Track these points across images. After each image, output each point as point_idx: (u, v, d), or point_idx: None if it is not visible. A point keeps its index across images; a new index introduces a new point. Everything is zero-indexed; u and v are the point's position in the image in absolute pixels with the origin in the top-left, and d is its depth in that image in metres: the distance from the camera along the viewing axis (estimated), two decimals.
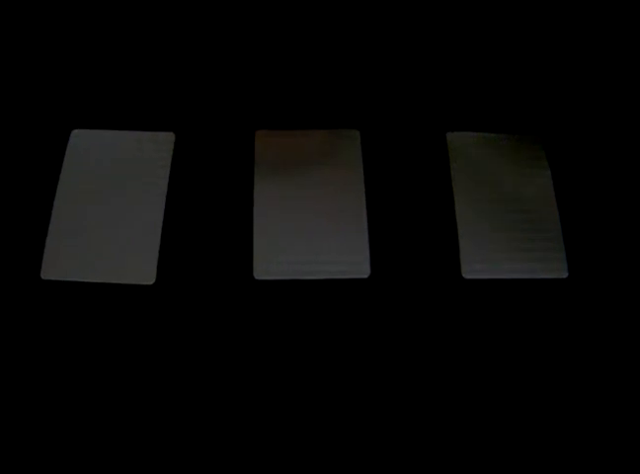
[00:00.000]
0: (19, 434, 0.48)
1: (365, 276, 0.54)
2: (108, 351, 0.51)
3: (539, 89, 0.63)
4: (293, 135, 0.60)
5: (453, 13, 0.66)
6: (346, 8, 0.67)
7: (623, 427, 0.49)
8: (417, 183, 0.59)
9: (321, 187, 0.58)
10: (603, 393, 0.51)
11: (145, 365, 0.51)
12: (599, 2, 0.67)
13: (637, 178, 0.59)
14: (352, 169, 0.59)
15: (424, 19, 0.67)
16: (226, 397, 0.50)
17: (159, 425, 0.49)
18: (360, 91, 0.63)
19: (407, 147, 0.60)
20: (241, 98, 0.62)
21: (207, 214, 0.57)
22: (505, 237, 0.56)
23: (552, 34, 0.66)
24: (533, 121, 0.62)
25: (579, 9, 0.67)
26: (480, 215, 0.57)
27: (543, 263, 0.55)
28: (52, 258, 0.54)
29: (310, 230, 0.56)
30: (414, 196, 0.58)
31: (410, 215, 0.57)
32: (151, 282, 0.54)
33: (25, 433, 0.48)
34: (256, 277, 0.54)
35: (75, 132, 0.60)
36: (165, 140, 0.59)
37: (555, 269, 0.55)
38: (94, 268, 0.54)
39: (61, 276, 0.54)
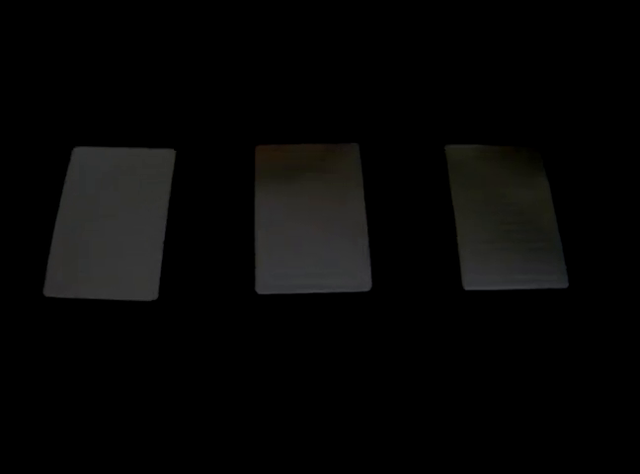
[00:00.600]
0: (22, 450, 0.48)
1: (367, 290, 0.55)
2: (111, 367, 0.51)
3: (537, 101, 0.64)
4: (293, 150, 0.61)
5: (451, 27, 0.67)
6: (345, 24, 0.68)
7: (623, 435, 0.50)
8: (416, 195, 0.59)
9: (322, 201, 0.58)
10: (603, 401, 0.51)
11: (149, 381, 0.51)
12: (592, 15, 0.68)
13: (635, 188, 0.59)
14: (352, 182, 0.59)
15: (421, 33, 0.67)
16: (231, 411, 0.50)
17: (164, 439, 0.49)
18: (358, 105, 0.63)
19: (406, 160, 0.61)
20: (241, 113, 0.63)
21: (209, 230, 0.57)
22: (504, 248, 0.57)
23: (547, 47, 0.66)
24: (531, 133, 0.62)
25: (574, 22, 0.67)
26: (480, 227, 0.58)
27: (543, 273, 0.56)
28: (55, 275, 0.54)
29: (311, 244, 0.56)
30: (414, 208, 0.58)
31: (410, 228, 0.57)
32: (154, 299, 0.54)
33: (28, 447, 0.48)
34: (258, 292, 0.54)
35: (77, 150, 0.60)
36: (166, 157, 0.60)
37: (555, 279, 0.55)
38: (96, 285, 0.54)
39: (64, 293, 0.54)
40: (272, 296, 0.54)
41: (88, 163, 0.59)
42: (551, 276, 0.55)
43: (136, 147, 0.60)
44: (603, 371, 0.52)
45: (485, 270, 0.56)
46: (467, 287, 0.55)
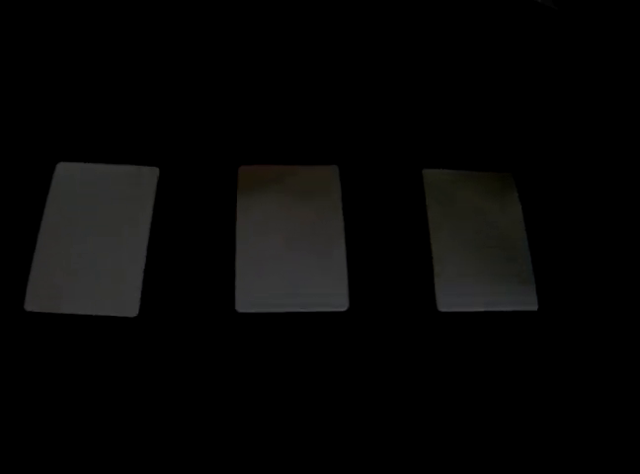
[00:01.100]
0: (3, 463, 0.49)
1: (344, 310, 0.56)
2: (92, 382, 0.52)
3: (510, 128, 0.66)
4: (276, 171, 0.62)
5: (430, 52, 0.69)
6: (327, 47, 0.69)
7: (598, 452, 0.52)
8: (394, 217, 0.61)
9: (302, 221, 0.59)
10: (574, 421, 0.53)
11: (130, 396, 0.52)
12: (568, 48, 0.70)
13: (606, 211, 0.62)
14: (331, 204, 0.61)
15: (401, 59, 0.69)
16: (211, 428, 0.51)
17: (144, 455, 0.50)
18: (339, 128, 0.65)
19: (384, 183, 0.62)
20: (225, 133, 0.64)
21: (190, 248, 0.58)
22: (478, 271, 0.58)
23: (522, 76, 0.69)
24: (504, 158, 0.64)
25: (551, 52, 0.70)
26: (454, 250, 0.59)
27: (514, 296, 0.58)
28: (36, 290, 0.55)
29: (291, 264, 0.57)
30: (391, 230, 0.60)
31: (387, 249, 0.59)
32: (134, 315, 0.54)
33: (9, 461, 0.49)
34: (238, 310, 0.55)
35: (61, 165, 0.61)
36: (149, 174, 0.61)
37: (526, 301, 0.57)
38: (77, 300, 0.55)
39: (45, 308, 0.54)
40: (251, 315, 0.55)
41: (71, 179, 0.60)
42: (522, 299, 0.57)
43: (120, 164, 0.61)
44: (573, 391, 0.54)
45: (459, 291, 0.57)
46: (441, 309, 0.57)
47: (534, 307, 0.57)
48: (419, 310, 0.57)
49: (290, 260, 0.57)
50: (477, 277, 0.58)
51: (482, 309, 0.57)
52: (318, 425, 0.52)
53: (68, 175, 0.60)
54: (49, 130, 0.62)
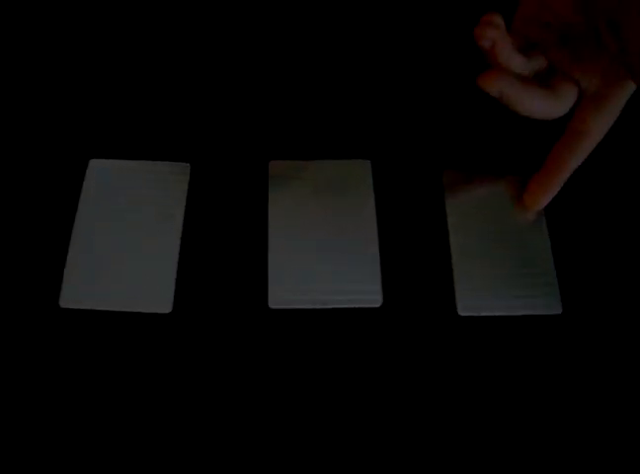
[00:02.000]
0: (35, 461, 0.49)
1: (377, 306, 0.55)
2: (125, 379, 0.52)
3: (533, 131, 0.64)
4: (306, 166, 0.62)
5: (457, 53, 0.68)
6: (357, 44, 0.69)
7: (618, 457, 0.50)
8: (424, 215, 0.60)
9: (334, 216, 0.59)
10: (599, 426, 0.52)
11: (163, 394, 0.52)
12: None
13: (627, 210, 0.60)
14: (363, 199, 0.60)
15: (436, 54, 0.69)
16: (242, 424, 0.51)
17: (175, 451, 0.50)
18: (371, 123, 0.64)
19: (417, 178, 0.62)
20: (255, 128, 0.63)
21: (223, 244, 0.58)
22: (499, 274, 0.57)
23: None
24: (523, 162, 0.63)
25: None
26: (473, 251, 0.58)
27: (537, 299, 0.56)
28: (71, 286, 0.55)
29: (324, 260, 0.57)
30: (423, 227, 0.59)
31: (420, 245, 0.58)
32: (168, 311, 0.55)
33: (40, 457, 0.49)
34: (270, 307, 0.55)
35: (93, 162, 0.61)
36: (181, 170, 0.61)
37: (549, 305, 0.56)
38: (111, 296, 0.55)
39: (79, 304, 0.55)
40: (284, 311, 0.55)
41: (104, 175, 0.60)
42: (544, 302, 0.56)
43: (151, 160, 0.61)
44: (598, 396, 0.53)
45: (480, 295, 0.56)
46: (462, 313, 0.55)
47: (558, 310, 0.56)
48: (439, 313, 0.56)
49: (323, 256, 0.57)
50: (498, 281, 0.57)
51: (504, 313, 0.55)
52: (350, 422, 0.51)
53: (100, 171, 0.60)
54: (81, 127, 0.63)
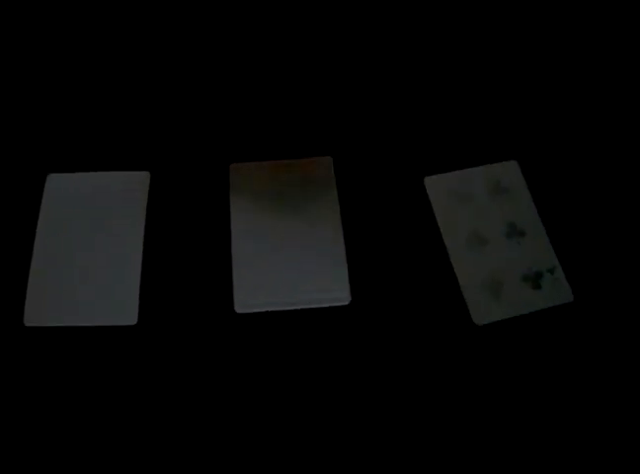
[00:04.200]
0: None
1: (346, 303, 0.55)
2: (95, 394, 0.51)
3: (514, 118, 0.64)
4: (268, 166, 0.61)
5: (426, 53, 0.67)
6: (314, 45, 0.68)
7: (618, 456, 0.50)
8: (390, 209, 0.59)
9: (297, 216, 0.58)
10: (607, 407, 0.51)
11: (133, 404, 0.51)
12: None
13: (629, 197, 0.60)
14: (327, 196, 0.59)
15: (391, 52, 0.68)
16: (213, 430, 0.50)
17: (147, 460, 0.49)
18: (330, 120, 0.63)
19: (379, 172, 0.61)
20: (213, 133, 0.63)
21: (186, 251, 0.57)
22: (506, 272, 0.56)
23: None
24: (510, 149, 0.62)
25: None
26: (474, 253, 0.57)
27: (547, 290, 0.55)
28: (35, 304, 0.54)
29: (289, 261, 0.56)
30: (388, 220, 0.59)
31: (386, 240, 0.58)
32: (133, 323, 0.54)
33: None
34: (237, 311, 0.54)
35: (51, 177, 0.60)
36: (140, 180, 0.60)
37: (561, 295, 0.55)
38: (76, 311, 0.54)
39: (44, 321, 0.54)
40: (251, 315, 0.54)
41: (63, 189, 0.59)
42: (556, 293, 0.55)
43: (110, 171, 0.60)
44: (584, 397, 0.52)
45: (493, 297, 0.55)
46: (478, 322, 0.54)
47: (570, 298, 0.55)
48: (425, 303, 0.55)
49: (288, 256, 0.56)
50: (509, 280, 0.56)
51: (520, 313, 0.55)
52: (323, 424, 0.51)
53: (59, 186, 0.60)
54: (38, 142, 0.62)
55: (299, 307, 0.54)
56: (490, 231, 0.58)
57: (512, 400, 0.51)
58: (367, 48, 0.68)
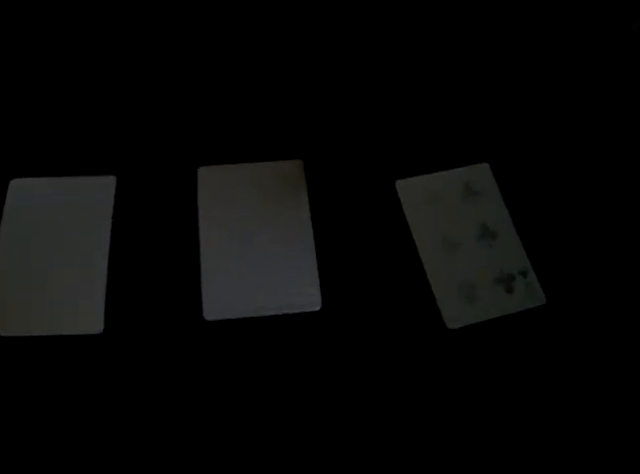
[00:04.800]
0: None
1: (317, 309, 0.54)
2: (60, 403, 0.50)
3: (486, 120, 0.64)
4: (237, 169, 0.60)
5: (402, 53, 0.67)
6: (287, 48, 0.67)
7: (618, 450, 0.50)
8: (362, 213, 0.58)
9: (267, 221, 0.57)
10: (586, 416, 0.51)
11: (98, 415, 0.50)
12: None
13: (605, 203, 0.60)
14: (297, 200, 0.59)
15: (359, 52, 0.67)
16: (182, 438, 0.49)
17: (118, 469, 0.48)
18: (300, 122, 0.63)
19: (350, 175, 0.60)
20: (181, 135, 0.61)
21: (154, 257, 0.56)
22: (479, 276, 0.56)
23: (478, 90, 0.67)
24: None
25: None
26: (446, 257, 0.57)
27: (520, 293, 0.55)
28: (0, 315, 0.53)
29: (258, 266, 0.55)
30: (359, 224, 0.58)
31: (357, 244, 0.57)
32: (99, 331, 0.53)
33: None
34: (206, 318, 0.53)
35: (14, 182, 0.58)
36: (106, 184, 0.58)
37: (533, 298, 0.55)
38: (41, 320, 0.53)
39: (10, 332, 0.52)
40: (221, 322, 0.53)
41: (26, 195, 0.58)
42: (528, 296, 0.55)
43: (76, 176, 0.59)
44: (579, 386, 0.52)
45: (466, 301, 0.55)
46: (450, 326, 0.54)
47: (543, 301, 0.55)
48: (397, 306, 0.55)
49: (258, 262, 0.55)
50: (483, 284, 0.55)
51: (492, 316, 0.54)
52: (295, 430, 0.50)
53: (23, 191, 0.58)
54: (0, 147, 0.60)
55: (270, 313, 0.54)
56: (462, 234, 0.58)
57: (485, 403, 0.51)
58: (339, 52, 0.67)
